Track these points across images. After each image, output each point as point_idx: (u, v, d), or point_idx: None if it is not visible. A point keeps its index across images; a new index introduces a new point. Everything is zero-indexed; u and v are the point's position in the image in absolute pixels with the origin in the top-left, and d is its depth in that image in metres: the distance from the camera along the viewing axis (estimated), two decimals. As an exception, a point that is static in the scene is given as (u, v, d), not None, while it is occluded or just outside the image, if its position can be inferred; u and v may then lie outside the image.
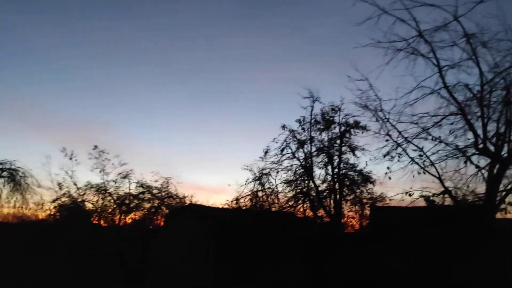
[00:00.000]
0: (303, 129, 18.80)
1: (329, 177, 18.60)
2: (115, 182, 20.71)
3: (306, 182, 18.98)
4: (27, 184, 17.67)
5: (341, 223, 18.60)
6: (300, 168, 18.98)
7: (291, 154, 18.93)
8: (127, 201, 21.00)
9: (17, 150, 54.41)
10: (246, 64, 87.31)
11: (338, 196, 18.44)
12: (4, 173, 17.28)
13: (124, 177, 20.83)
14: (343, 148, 18.60)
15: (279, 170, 19.05)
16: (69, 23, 78.87)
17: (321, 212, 18.68)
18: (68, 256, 17.43)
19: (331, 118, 18.42)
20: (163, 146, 75.21)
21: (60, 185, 19.54)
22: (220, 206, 21.04)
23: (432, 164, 14.41)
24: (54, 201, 19.46)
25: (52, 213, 19.90)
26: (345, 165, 18.61)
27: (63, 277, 16.71)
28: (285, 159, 18.98)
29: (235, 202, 19.28)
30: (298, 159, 18.97)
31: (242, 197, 19.03)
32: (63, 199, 19.74)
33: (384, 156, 15.16)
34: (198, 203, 21.49)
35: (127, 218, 21.43)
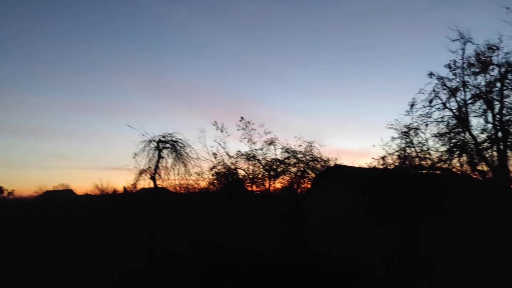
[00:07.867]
0: (454, 74, 17.19)
1: (490, 126, 16.72)
2: (262, 150, 22.10)
3: (461, 134, 17.35)
4: (186, 154, 19.50)
5: (509, 178, 16.54)
6: (452, 119, 17.45)
7: (441, 104, 17.52)
8: (274, 167, 22.13)
9: (176, 126, 61.87)
10: (386, 18, 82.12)
11: (502, 146, 16.41)
12: (167, 145, 19.40)
13: (270, 144, 22.05)
14: (505, 92, 16.40)
15: (428, 123, 17.83)
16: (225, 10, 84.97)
17: (481, 167, 16.96)
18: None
19: (488, 59, 16.40)
20: (304, 113, 76.51)
21: (215, 155, 21.64)
22: (366, 167, 20.58)
23: None
24: (211, 169, 21.59)
25: (211, 181, 22.09)
26: (509, 111, 16.41)
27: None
28: (434, 111, 17.70)
29: (381, 161, 18.62)
30: (450, 109, 17.46)
31: (389, 154, 18.33)
32: (218, 167, 21.79)
33: None
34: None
35: (276, 182, 22.60)
